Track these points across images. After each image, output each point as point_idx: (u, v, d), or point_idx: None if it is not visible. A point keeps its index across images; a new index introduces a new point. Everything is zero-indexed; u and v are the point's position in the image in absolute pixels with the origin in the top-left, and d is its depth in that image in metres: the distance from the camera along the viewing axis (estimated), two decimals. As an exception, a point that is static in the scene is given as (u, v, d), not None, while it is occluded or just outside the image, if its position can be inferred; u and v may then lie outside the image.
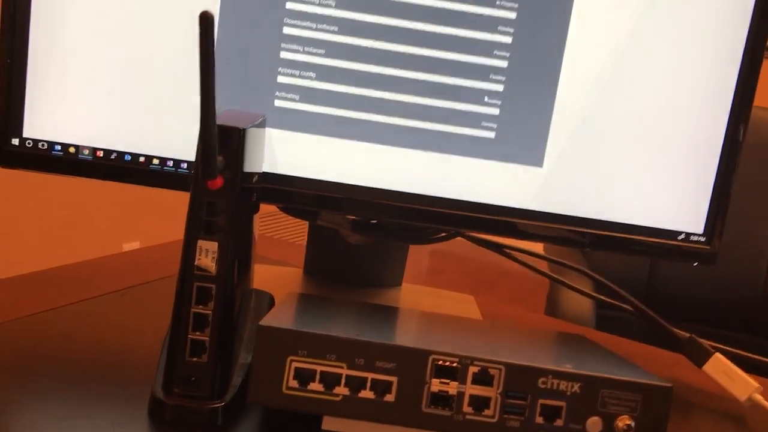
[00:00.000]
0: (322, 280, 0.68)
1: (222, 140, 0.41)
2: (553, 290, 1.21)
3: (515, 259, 0.67)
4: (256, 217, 0.51)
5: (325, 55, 0.55)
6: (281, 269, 0.70)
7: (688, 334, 0.58)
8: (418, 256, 3.95)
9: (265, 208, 0.56)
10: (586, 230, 0.58)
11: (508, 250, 0.67)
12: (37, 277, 0.62)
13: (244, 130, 0.42)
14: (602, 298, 0.67)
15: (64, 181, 2.15)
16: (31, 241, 2.11)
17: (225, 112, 0.46)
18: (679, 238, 0.59)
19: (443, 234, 0.63)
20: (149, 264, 0.70)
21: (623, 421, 0.40)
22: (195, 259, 0.42)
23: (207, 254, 0.42)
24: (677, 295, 1.33)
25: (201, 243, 0.42)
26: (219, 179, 0.41)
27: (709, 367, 0.56)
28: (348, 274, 0.68)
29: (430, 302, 0.68)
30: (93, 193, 2.27)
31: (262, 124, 0.48)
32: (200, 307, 0.42)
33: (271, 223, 3.18)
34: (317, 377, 0.40)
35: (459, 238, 0.65)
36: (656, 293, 1.34)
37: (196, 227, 0.42)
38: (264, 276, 0.67)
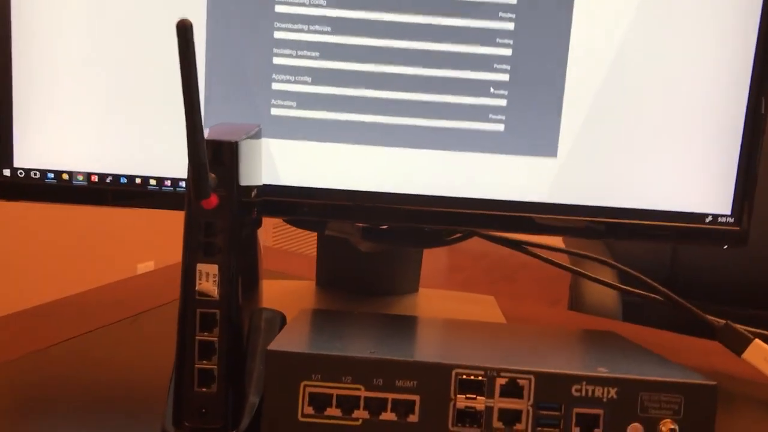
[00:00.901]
0: (336, 292, 0.65)
1: (213, 156, 0.39)
2: (576, 282, 1.17)
3: (536, 255, 0.64)
4: (260, 232, 0.48)
5: (320, 58, 0.52)
6: (294, 283, 0.68)
7: (723, 321, 0.55)
8: (436, 255, 3.93)
9: (274, 219, 0.54)
10: (606, 220, 0.55)
11: (527, 246, 0.64)
12: (49, 308, 0.61)
13: (236, 143, 0.39)
14: (630, 289, 0.63)
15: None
16: (45, 265, 2.10)
17: (216, 126, 0.44)
18: (707, 221, 0.56)
19: (458, 235, 0.61)
20: (163, 285, 0.68)
21: (666, 425, 0.36)
22: (195, 284, 0.39)
23: (208, 278, 0.39)
24: (702, 277, 1.29)
25: (200, 266, 0.39)
26: (213, 198, 0.38)
27: (749, 354, 0.53)
28: (362, 284, 0.65)
29: (449, 307, 0.65)
30: (104, 214, 2.26)
31: (257, 135, 0.46)
32: (205, 334, 0.39)
33: (281, 234, 3.16)
34: (334, 401, 0.37)
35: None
36: (680, 275, 1.31)
37: (194, 250, 0.39)
38: (276, 291, 0.65)
